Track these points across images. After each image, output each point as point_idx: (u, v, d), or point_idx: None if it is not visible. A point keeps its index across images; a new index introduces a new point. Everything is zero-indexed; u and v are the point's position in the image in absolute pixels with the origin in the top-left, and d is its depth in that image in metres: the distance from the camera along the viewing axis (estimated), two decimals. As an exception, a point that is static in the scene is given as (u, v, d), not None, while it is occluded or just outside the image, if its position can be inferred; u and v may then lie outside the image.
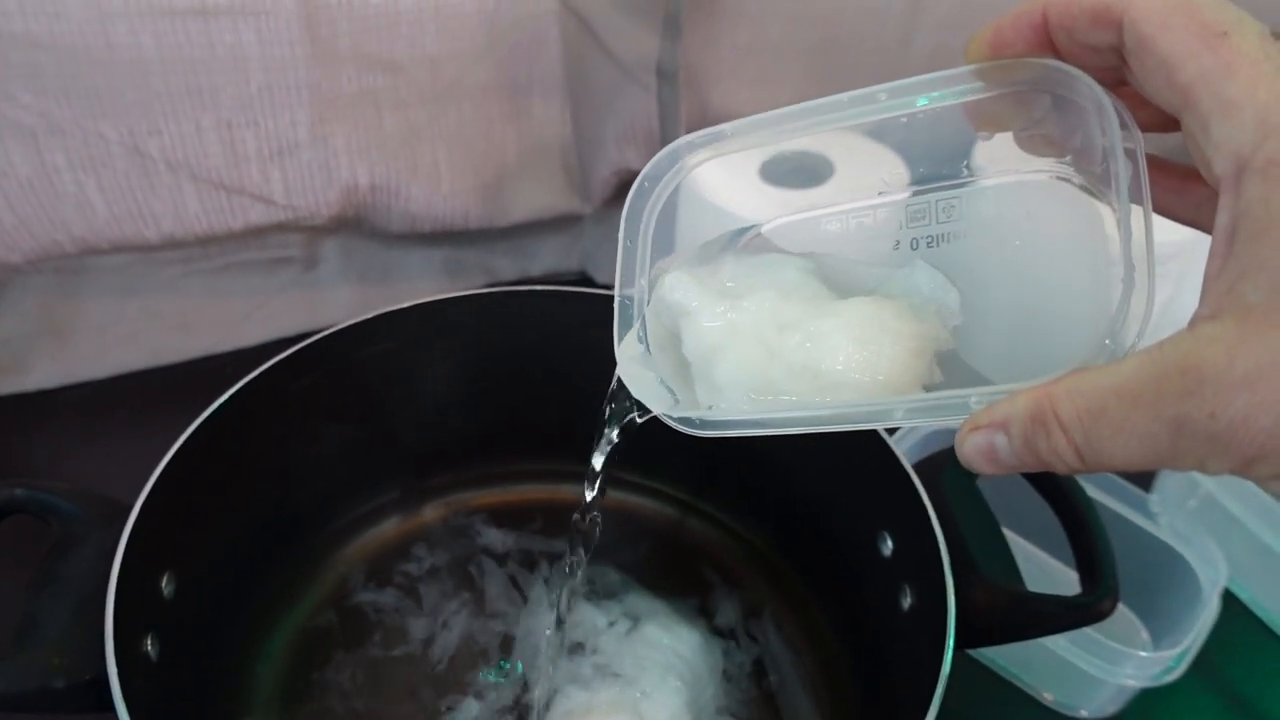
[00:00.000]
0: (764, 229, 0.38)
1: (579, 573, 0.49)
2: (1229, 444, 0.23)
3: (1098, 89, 0.28)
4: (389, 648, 0.54)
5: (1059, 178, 0.31)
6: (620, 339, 0.38)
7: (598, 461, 0.44)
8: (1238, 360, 0.23)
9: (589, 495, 0.46)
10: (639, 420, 0.39)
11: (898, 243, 0.34)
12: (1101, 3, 0.27)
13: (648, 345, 0.37)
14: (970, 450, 0.28)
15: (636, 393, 0.37)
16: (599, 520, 0.47)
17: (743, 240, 0.38)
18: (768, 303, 0.34)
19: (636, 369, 0.37)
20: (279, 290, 0.74)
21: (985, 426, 0.28)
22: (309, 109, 0.63)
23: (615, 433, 0.42)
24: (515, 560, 0.59)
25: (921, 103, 0.32)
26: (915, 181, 0.34)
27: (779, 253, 0.37)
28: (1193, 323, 0.25)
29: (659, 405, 0.36)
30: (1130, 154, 0.27)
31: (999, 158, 0.32)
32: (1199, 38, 0.25)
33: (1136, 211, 0.27)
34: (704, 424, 0.34)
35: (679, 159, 0.36)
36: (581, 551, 0.48)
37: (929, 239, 0.34)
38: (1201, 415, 0.23)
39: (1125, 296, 0.26)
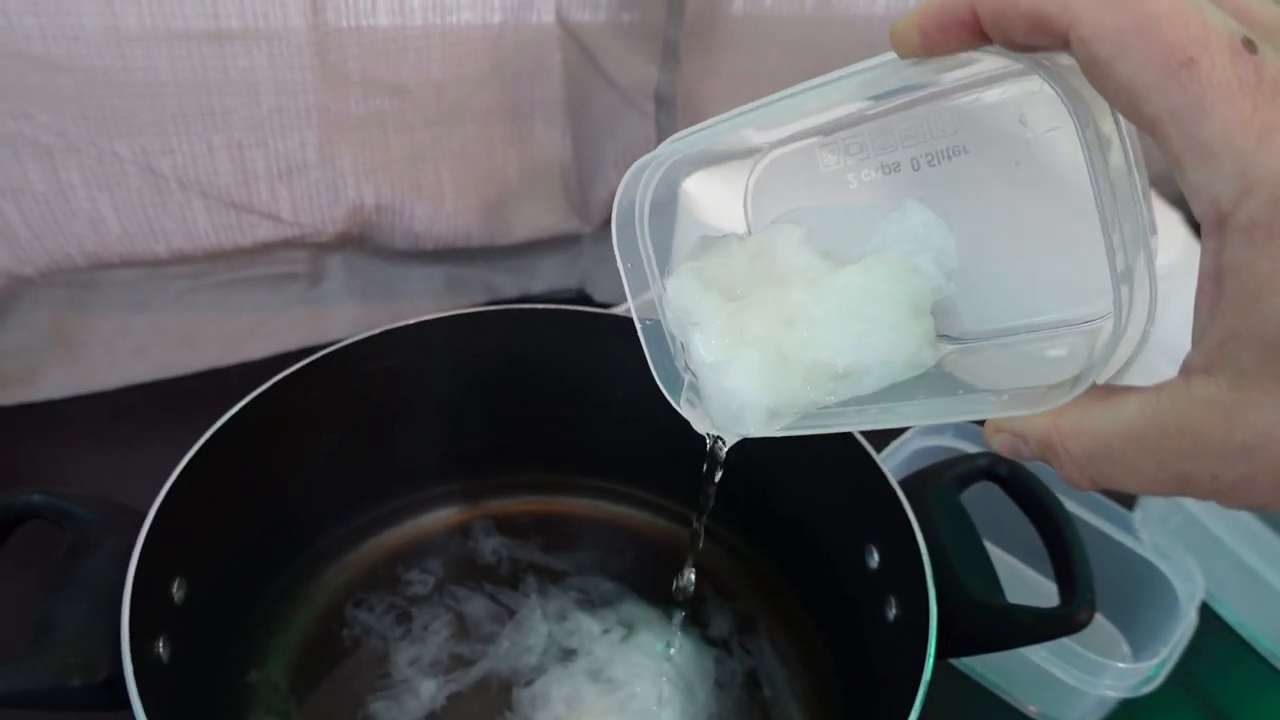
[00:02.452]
0: (765, 162, 0.36)
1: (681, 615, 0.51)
2: (1234, 499, 0.24)
3: (1058, 90, 0.25)
4: (391, 651, 0.55)
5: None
6: (669, 390, 0.37)
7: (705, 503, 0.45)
8: (1236, 430, 0.23)
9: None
10: (727, 445, 0.39)
11: (898, 165, 0.33)
12: (1040, 11, 0.24)
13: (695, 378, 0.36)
14: (998, 445, 0.29)
15: (703, 428, 0.37)
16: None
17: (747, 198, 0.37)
18: (770, 298, 0.33)
19: (695, 411, 0.37)
20: (284, 306, 0.75)
21: (1007, 431, 0.28)
22: (318, 130, 0.65)
23: (720, 460, 0.41)
24: (518, 569, 0.60)
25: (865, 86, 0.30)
26: (898, 93, 0.32)
27: (775, 224, 0.35)
28: (1188, 371, 0.24)
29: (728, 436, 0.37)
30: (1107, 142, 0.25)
31: (983, 67, 0.29)
32: (1162, 66, 0.22)
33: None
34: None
35: (644, 172, 0.36)
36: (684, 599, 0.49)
37: (928, 156, 0.32)
38: (1204, 476, 0.24)
39: (1118, 323, 0.26)
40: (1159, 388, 0.25)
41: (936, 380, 0.33)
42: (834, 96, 0.31)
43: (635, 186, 0.36)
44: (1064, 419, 0.27)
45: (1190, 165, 0.22)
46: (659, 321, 0.37)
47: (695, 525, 0.47)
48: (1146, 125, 0.23)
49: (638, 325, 0.37)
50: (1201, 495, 0.25)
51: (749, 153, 0.37)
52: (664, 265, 0.37)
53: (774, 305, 0.33)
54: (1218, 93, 0.22)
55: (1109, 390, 0.27)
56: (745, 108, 0.32)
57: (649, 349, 0.37)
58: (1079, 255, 0.28)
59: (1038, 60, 0.25)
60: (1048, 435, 0.27)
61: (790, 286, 0.33)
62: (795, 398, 0.32)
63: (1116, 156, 0.26)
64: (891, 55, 0.28)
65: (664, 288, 0.36)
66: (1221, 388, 0.23)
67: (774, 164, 0.36)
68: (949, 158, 0.32)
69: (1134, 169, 0.26)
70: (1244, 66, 0.22)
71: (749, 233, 0.38)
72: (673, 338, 0.36)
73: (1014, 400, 0.29)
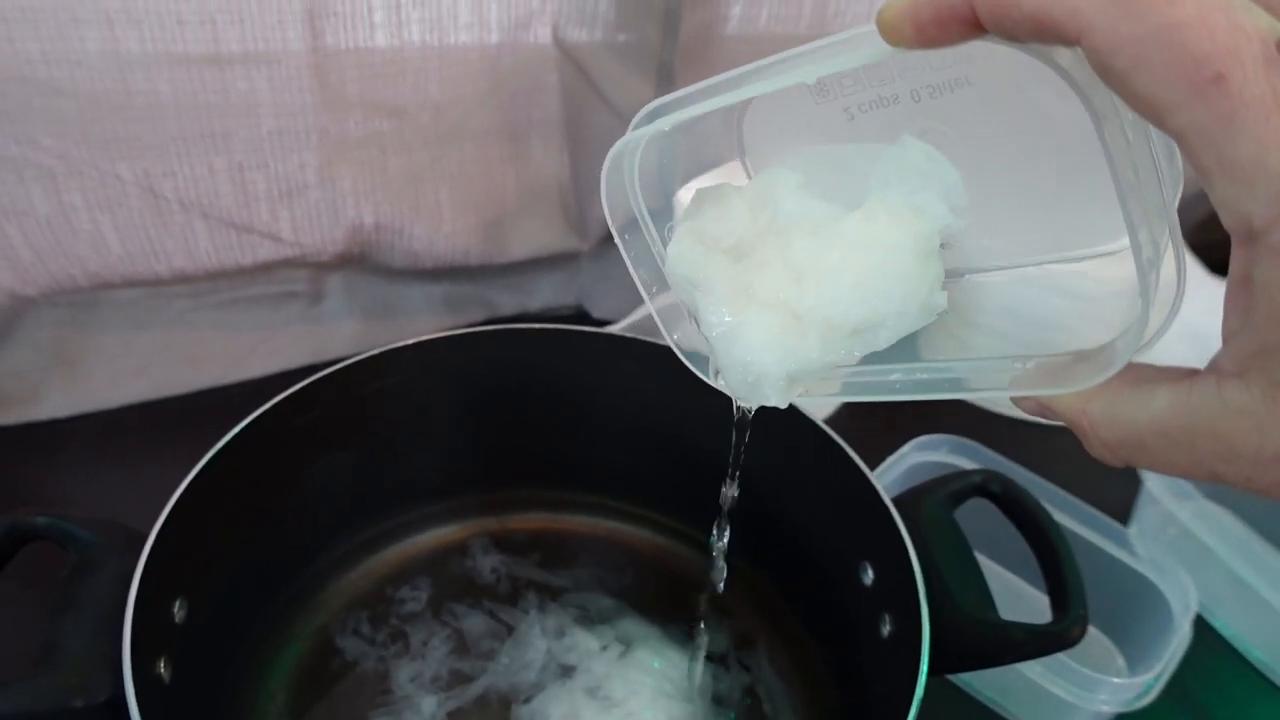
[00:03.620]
0: (754, 105, 0.34)
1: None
2: (1268, 498, 0.25)
3: (1070, 82, 0.23)
4: (391, 668, 0.55)
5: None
6: (694, 364, 0.36)
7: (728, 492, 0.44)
8: (1269, 441, 0.23)
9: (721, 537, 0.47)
10: (751, 412, 0.38)
11: (896, 96, 0.31)
12: (1047, 15, 0.22)
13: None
14: (1025, 407, 0.29)
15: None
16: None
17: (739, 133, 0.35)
18: (775, 254, 0.31)
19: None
20: (284, 324, 0.76)
21: (1034, 401, 0.28)
22: (317, 152, 0.66)
23: (743, 436, 0.40)
24: (516, 586, 0.60)
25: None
26: None
27: (771, 171, 0.33)
28: (1219, 373, 0.24)
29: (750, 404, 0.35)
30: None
31: None
32: (1187, 82, 0.20)
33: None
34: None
35: (623, 158, 0.34)
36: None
37: (928, 88, 0.30)
38: (1238, 478, 0.24)
39: (1145, 307, 0.25)
40: (1189, 385, 0.25)
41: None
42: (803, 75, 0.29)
43: (619, 171, 0.34)
44: (1093, 405, 0.26)
45: (1219, 181, 0.21)
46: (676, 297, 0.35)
47: (721, 504, 0.47)
48: (1170, 135, 0.22)
49: (646, 300, 0.35)
50: (1235, 488, 0.25)
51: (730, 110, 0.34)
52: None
53: (780, 262, 0.31)
54: (1249, 110, 0.20)
55: (1136, 376, 0.26)
56: (707, 82, 0.30)
57: (663, 326, 0.35)
58: (1092, 187, 0.26)
59: (1047, 52, 0.23)
60: (1077, 418, 0.27)
61: (793, 240, 0.31)
62: (813, 361, 0.31)
63: (1138, 137, 0.25)
64: (870, 28, 0.26)
65: (665, 255, 0.34)
66: (1255, 398, 0.23)
67: (765, 103, 0.34)
68: (950, 90, 0.30)
69: (1154, 144, 0.25)
70: (1278, 75, 0.20)
71: (748, 176, 0.36)
72: (684, 308, 0.34)
73: (1038, 372, 0.29)
